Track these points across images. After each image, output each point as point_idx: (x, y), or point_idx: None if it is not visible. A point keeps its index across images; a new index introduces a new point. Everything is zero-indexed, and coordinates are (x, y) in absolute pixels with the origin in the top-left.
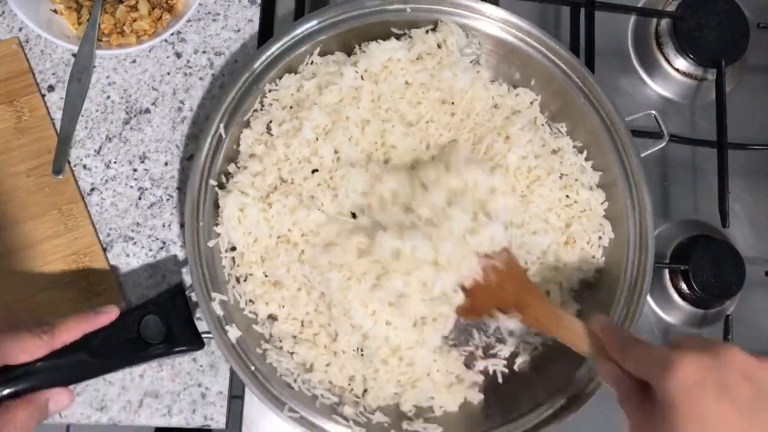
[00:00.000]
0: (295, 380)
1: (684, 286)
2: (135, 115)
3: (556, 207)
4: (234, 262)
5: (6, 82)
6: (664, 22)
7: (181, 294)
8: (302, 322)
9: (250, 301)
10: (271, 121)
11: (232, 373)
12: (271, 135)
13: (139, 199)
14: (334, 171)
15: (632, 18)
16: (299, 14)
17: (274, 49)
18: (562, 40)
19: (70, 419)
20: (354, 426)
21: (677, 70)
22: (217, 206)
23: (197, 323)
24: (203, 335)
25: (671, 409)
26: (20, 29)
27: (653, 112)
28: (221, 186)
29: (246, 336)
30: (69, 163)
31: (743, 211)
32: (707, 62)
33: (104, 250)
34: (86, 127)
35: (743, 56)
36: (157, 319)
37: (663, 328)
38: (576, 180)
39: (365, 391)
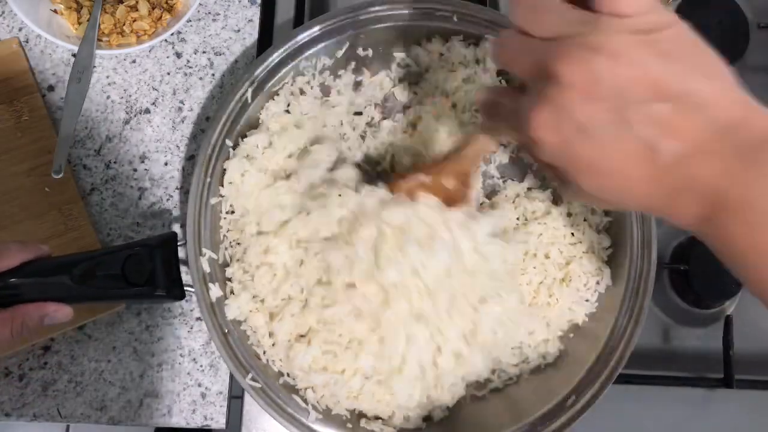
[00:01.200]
0: (264, 352)
1: (684, 286)
2: (135, 115)
3: (559, 242)
4: (231, 225)
5: (6, 82)
6: None
7: (172, 241)
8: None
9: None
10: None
11: (232, 373)
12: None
13: (139, 199)
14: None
15: None
16: (299, 18)
17: (315, 29)
18: None
19: (70, 419)
20: (312, 411)
21: None
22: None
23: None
24: (185, 288)
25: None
26: (20, 29)
27: None
28: (236, 148)
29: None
30: (69, 163)
31: None
32: None
33: None
34: (86, 127)
35: (743, 56)
36: (143, 260)
37: (663, 328)
38: (585, 220)
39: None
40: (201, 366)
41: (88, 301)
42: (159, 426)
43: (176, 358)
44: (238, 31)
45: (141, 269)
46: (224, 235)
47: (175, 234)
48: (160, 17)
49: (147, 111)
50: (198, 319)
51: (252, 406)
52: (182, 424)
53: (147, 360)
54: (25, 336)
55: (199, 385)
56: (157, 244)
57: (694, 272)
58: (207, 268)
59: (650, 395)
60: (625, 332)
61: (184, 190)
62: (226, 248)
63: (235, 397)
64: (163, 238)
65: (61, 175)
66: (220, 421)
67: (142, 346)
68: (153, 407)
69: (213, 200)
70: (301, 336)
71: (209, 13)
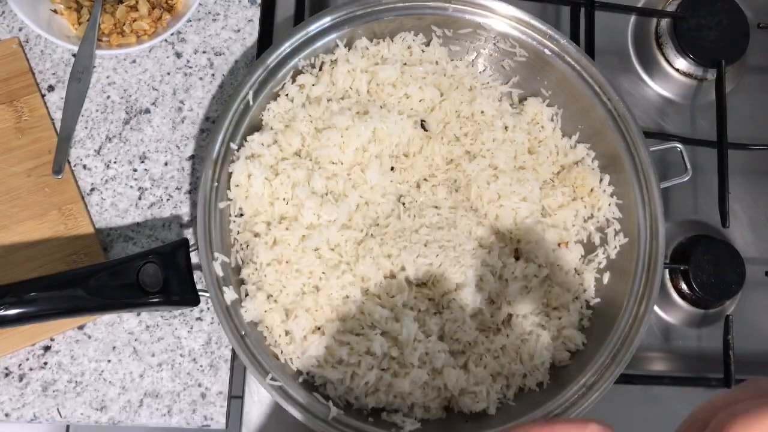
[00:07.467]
0: (281, 352)
1: (684, 286)
2: (135, 115)
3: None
4: (240, 228)
5: (6, 82)
6: (664, 22)
7: (184, 248)
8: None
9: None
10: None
11: (232, 373)
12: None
13: (139, 199)
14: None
15: (632, 18)
16: (299, 17)
17: (313, 27)
18: None
19: (70, 419)
20: (333, 407)
21: (677, 70)
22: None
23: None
24: (200, 293)
25: None
26: (20, 29)
27: (679, 146)
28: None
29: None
30: (69, 163)
31: (743, 211)
32: (707, 62)
33: (104, 250)
34: (86, 127)
35: (743, 56)
36: (157, 268)
37: (663, 328)
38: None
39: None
40: (201, 366)
41: (103, 312)
42: (159, 426)
43: (176, 358)
44: (238, 31)
45: (155, 277)
46: (235, 239)
47: (186, 240)
48: (160, 17)
49: (147, 111)
50: (198, 319)
51: (252, 406)
52: (182, 424)
53: (147, 360)
54: None
55: (199, 385)
56: (170, 252)
57: (694, 272)
58: (220, 272)
59: (650, 395)
60: (648, 275)
61: (184, 190)
62: (237, 251)
63: (235, 397)
64: (175, 245)
65: (61, 175)
66: (220, 421)
67: (142, 346)
68: (153, 407)
69: (221, 204)
70: (317, 328)
71: (209, 13)
